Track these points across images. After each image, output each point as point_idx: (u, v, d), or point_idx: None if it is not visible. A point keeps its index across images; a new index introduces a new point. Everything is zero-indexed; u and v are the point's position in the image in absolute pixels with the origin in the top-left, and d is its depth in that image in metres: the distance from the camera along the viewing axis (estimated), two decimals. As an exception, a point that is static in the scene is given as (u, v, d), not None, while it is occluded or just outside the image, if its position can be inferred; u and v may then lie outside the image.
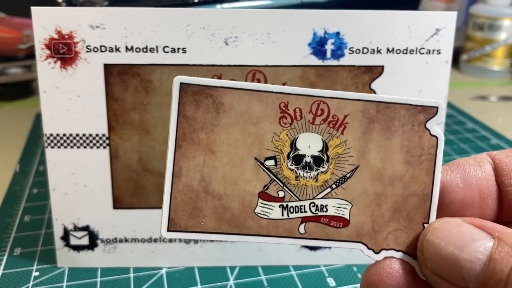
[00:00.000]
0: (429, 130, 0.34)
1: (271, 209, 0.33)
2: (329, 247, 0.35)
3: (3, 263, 0.35)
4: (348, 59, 0.32)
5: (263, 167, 0.32)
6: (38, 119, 0.60)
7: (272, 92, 0.31)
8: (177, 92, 0.29)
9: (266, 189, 0.32)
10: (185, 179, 0.32)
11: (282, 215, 0.33)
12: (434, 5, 0.97)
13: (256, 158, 0.32)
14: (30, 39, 0.70)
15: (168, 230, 0.32)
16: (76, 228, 0.34)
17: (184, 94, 0.31)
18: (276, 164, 0.32)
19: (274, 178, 0.32)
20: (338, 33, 0.32)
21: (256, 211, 0.33)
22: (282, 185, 0.32)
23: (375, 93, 0.33)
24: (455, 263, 0.21)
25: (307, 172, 0.33)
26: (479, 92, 0.72)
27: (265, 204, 0.33)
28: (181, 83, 0.30)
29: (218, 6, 0.42)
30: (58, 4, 0.59)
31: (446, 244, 0.22)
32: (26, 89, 0.68)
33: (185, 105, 0.31)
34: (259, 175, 0.32)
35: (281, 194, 0.33)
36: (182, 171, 0.32)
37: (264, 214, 0.33)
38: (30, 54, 0.70)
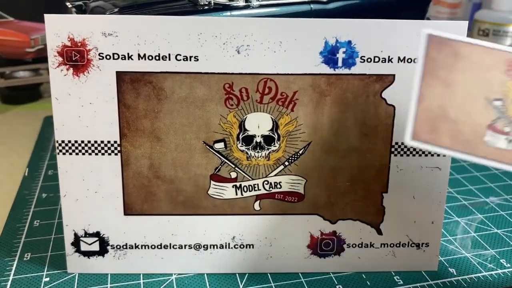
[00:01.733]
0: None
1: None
2: (338, 255, 0.35)
3: (14, 268, 0.36)
4: (359, 68, 0.32)
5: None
6: (46, 122, 0.61)
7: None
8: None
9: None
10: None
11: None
12: (438, 10, 0.97)
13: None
14: (38, 42, 0.70)
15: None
16: (87, 234, 0.34)
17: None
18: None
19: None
20: (349, 42, 0.32)
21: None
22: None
23: (386, 102, 0.33)
24: None
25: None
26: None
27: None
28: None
29: (228, 13, 0.42)
30: (67, 9, 0.59)
31: None
32: (34, 93, 0.68)
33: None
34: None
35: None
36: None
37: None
38: (38, 58, 0.70)
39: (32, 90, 0.68)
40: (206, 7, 0.41)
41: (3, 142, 0.56)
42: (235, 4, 0.42)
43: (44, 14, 0.30)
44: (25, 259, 0.37)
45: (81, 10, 0.46)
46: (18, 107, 0.66)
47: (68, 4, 0.46)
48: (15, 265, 0.36)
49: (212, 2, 0.41)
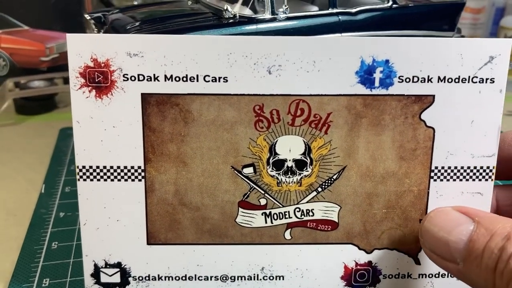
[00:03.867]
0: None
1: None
2: (374, 286, 0.33)
3: (31, 296, 0.34)
4: (397, 88, 0.30)
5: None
6: (62, 134, 0.59)
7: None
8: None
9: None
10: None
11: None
12: (461, 16, 0.95)
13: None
14: (53, 51, 0.69)
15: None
16: (107, 265, 0.32)
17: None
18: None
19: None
20: (387, 61, 0.30)
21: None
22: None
23: (425, 124, 0.31)
24: (445, 244, 0.27)
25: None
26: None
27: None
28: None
29: (254, 26, 0.40)
30: (81, 19, 0.58)
31: (438, 229, 0.28)
32: (49, 103, 0.67)
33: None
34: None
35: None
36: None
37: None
38: (52, 67, 0.69)
39: (47, 100, 0.67)
40: (231, 21, 0.39)
41: (19, 156, 0.55)
42: (261, 17, 0.40)
43: (66, 34, 0.28)
44: (43, 285, 0.35)
45: (100, 22, 0.44)
46: (33, 118, 0.65)
47: (87, 16, 0.45)
48: (33, 293, 0.34)
49: (237, 15, 0.40)
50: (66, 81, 0.67)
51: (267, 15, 0.40)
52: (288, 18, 0.41)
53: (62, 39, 0.69)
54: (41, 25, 0.69)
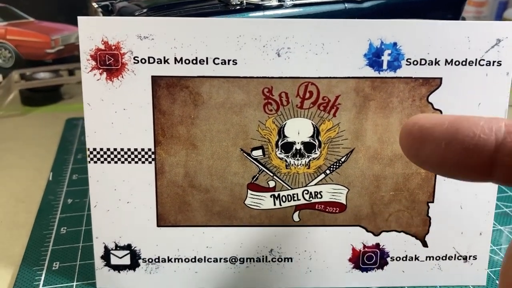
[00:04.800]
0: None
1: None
2: (381, 268, 0.33)
3: (43, 278, 0.34)
4: (405, 71, 0.31)
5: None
6: (68, 125, 0.59)
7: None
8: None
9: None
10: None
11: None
12: (464, 9, 0.95)
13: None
14: (59, 43, 0.69)
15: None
16: (117, 247, 0.32)
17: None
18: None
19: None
20: (395, 44, 0.30)
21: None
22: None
23: (433, 107, 0.31)
24: None
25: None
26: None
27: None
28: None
29: (261, 13, 0.40)
30: (88, 10, 0.58)
31: None
32: (55, 94, 0.67)
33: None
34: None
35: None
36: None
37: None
38: (58, 58, 0.69)
39: (53, 91, 0.67)
40: (238, 7, 0.40)
41: (26, 145, 0.55)
42: (267, 4, 0.40)
43: (78, 17, 0.29)
44: (53, 268, 0.35)
45: (107, 10, 0.44)
46: (38, 109, 0.65)
47: (94, 5, 0.45)
48: (43, 275, 0.35)
49: (244, 1, 0.40)
50: (71, 72, 0.67)
51: (274, 2, 0.40)
52: (295, 5, 0.41)
53: (67, 31, 0.69)
54: (46, 17, 0.69)
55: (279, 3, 0.41)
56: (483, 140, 0.17)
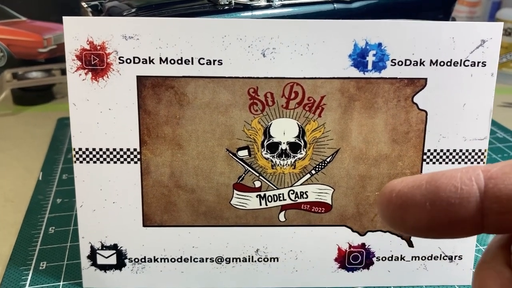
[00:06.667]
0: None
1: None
2: (367, 268, 0.33)
3: (29, 278, 0.34)
4: (390, 71, 0.31)
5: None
6: (59, 124, 0.59)
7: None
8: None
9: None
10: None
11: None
12: (457, 9, 0.95)
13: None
14: (51, 42, 0.69)
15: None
16: (104, 247, 0.32)
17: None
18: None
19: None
20: (380, 44, 0.30)
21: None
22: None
23: (418, 107, 0.31)
24: None
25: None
26: (507, 100, 0.70)
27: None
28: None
29: (249, 13, 0.40)
30: (80, 9, 0.58)
31: None
32: (47, 94, 0.67)
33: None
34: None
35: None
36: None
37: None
38: (50, 58, 0.69)
39: (45, 91, 0.67)
40: (226, 7, 0.40)
41: (17, 144, 0.55)
42: (256, 4, 0.40)
43: (63, 17, 0.29)
44: (40, 268, 0.35)
45: (96, 10, 0.44)
46: (30, 108, 0.65)
47: (84, 4, 0.45)
48: (30, 275, 0.35)
49: (233, 2, 0.40)
50: (63, 72, 0.67)
51: (263, 2, 0.40)
52: (284, 5, 0.41)
53: (59, 30, 0.69)
54: (39, 16, 0.69)
55: (267, 3, 0.41)
56: (466, 191, 0.16)
